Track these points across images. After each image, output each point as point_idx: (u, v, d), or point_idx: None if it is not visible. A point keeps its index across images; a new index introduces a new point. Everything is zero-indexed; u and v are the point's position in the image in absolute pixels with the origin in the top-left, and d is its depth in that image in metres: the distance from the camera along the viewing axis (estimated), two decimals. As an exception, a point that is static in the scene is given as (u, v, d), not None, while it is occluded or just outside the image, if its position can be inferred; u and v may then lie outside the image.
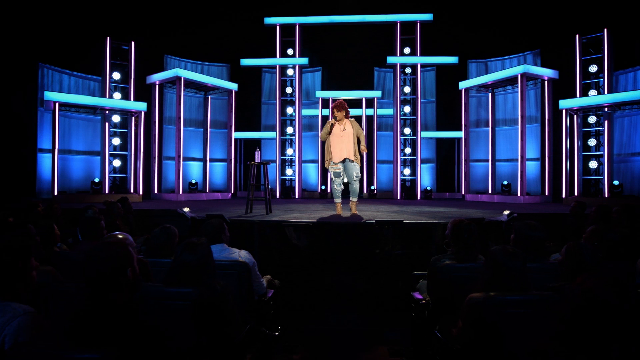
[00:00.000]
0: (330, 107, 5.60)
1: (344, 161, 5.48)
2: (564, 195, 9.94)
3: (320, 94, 12.62)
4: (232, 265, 2.84)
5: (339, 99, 5.63)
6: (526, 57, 12.28)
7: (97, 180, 9.93)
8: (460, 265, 2.74)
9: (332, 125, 5.48)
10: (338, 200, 5.66)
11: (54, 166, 9.05)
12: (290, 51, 12.46)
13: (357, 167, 5.46)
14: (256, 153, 5.65)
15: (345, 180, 5.56)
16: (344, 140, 5.46)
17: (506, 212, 6.13)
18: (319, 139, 11.00)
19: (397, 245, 4.65)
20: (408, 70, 12.41)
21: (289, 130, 12.64)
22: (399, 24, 12.03)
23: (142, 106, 10.39)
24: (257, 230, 4.56)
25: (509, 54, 12.69)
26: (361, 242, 4.52)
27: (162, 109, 11.94)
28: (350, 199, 5.71)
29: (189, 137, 12.84)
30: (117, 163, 10.83)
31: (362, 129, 5.81)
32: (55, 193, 9.17)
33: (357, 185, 5.58)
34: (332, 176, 5.44)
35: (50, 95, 9.38)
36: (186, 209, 6.46)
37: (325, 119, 13.05)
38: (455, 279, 2.69)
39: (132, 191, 10.51)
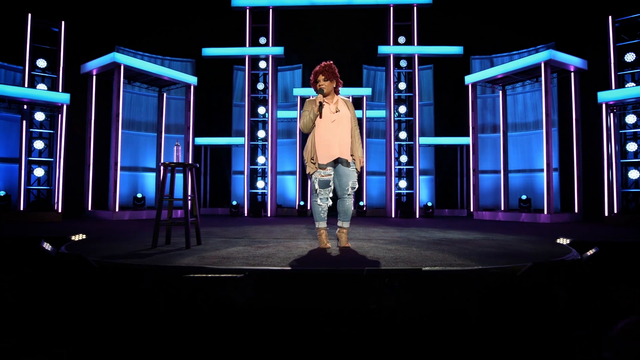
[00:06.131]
0: (312, 75, 3.47)
1: (336, 163, 3.40)
2: (606, 213, 7.90)
3: (299, 92, 10.58)
4: None
5: (325, 63, 3.45)
6: (539, 50, 10.44)
7: (2, 194, 7.62)
8: None
9: (321, 105, 3.33)
10: (322, 224, 3.47)
11: None
12: (263, 40, 10.43)
13: (354, 174, 3.43)
14: (175, 149, 3.51)
15: (331, 194, 3.43)
16: (336, 129, 3.35)
17: (565, 242, 4.06)
18: (298, 130, 8.71)
19: (406, 296, 2.53)
20: (403, 63, 10.45)
21: (261, 134, 10.51)
22: (392, 8, 10.11)
23: (61, 98, 8.14)
24: (148, 288, 2.39)
25: (517, 48, 10.89)
26: (343, 301, 2.39)
27: (108, 109, 9.76)
28: (339, 223, 3.53)
29: (145, 143, 10.69)
30: (39, 172, 8.55)
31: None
32: None
33: (350, 203, 3.46)
34: (316, 186, 3.36)
35: None
36: (78, 237, 4.25)
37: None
38: None
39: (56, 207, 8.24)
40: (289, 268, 2.39)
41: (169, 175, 3.58)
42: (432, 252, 3.27)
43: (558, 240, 4.15)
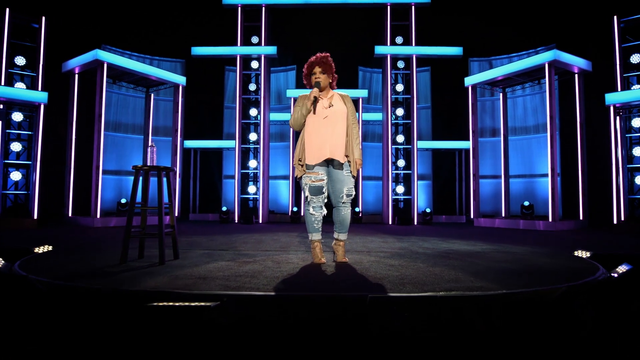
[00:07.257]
0: (305, 66, 3.10)
1: (328, 164, 2.99)
2: (615, 220, 7.57)
3: (292, 93, 10.19)
4: None
5: (321, 54, 3.09)
6: (539, 52, 10.16)
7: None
8: None
9: (316, 99, 2.94)
10: (316, 235, 3.05)
11: None
12: (255, 39, 10.04)
13: (349, 179, 3.00)
14: (149, 150, 3.10)
15: (326, 200, 3.03)
16: (329, 126, 2.94)
17: (584, 254, 3.68)
18: (292, 133, 8.34)
19: (417, 324, 2.12)
20: (400, 64, 10.11)
21: (252, 137, 10.09)
22: (389, 7, 9.78)
23: (38, 96, 7.67)
24: (103, 321, 1.96)
25: (517, 50, 10.62)
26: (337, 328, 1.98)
27: (92, 109, 9.29)
28: (335, 235, 3.10)
29: (131, 146, 10.24)
30: (16, 176, 8.05)
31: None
32: None
33: (346, 213, 3.03)
34: (307, 192, 2.96)
35: None
36: (43, 249, 3.81)
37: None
38: None
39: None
40: (273, 293, 1.97)
41: (141, 179, 3.16)
42: (441, 268, 2.86)
43: (576, 253, 3.77)
